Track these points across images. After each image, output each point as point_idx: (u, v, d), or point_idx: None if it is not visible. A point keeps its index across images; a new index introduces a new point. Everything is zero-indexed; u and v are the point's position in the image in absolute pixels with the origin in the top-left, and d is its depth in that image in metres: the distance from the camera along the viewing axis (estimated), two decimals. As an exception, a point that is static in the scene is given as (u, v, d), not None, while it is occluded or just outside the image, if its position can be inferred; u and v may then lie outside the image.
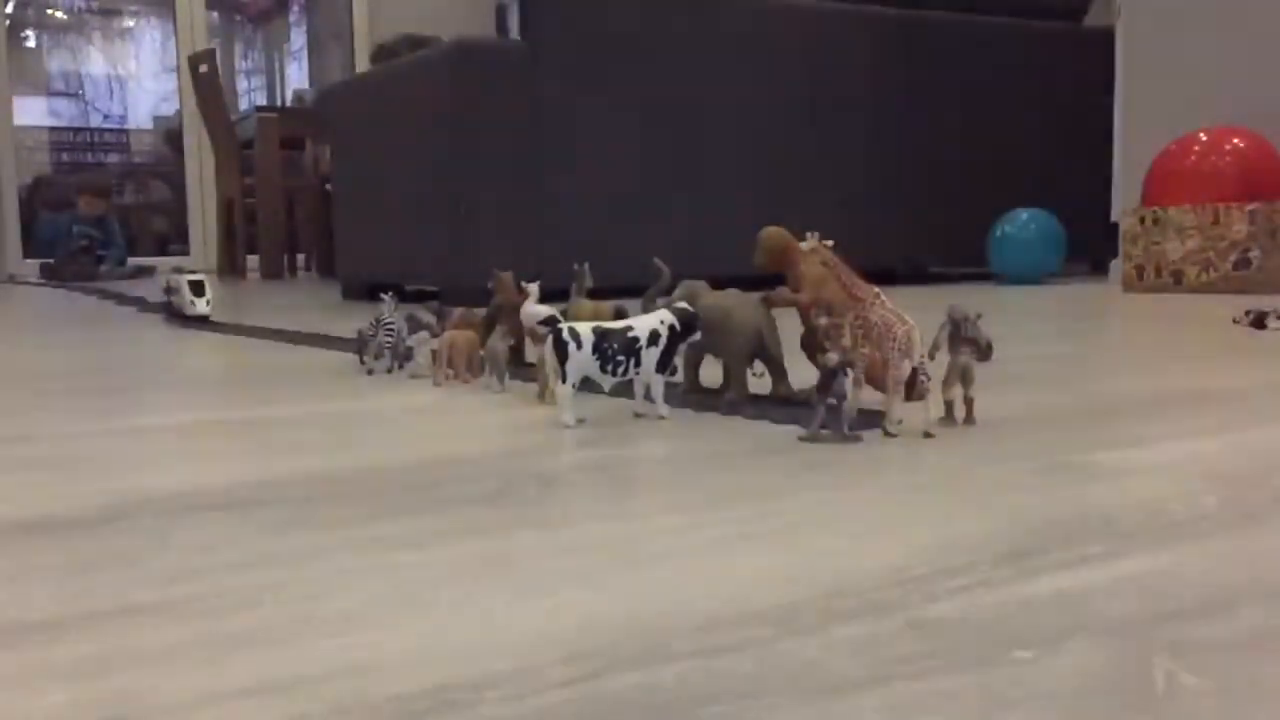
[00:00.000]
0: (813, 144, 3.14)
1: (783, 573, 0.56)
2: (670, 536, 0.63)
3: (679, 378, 1.11)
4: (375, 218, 3.13)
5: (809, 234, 1.07)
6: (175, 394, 1.28)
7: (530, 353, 1.29)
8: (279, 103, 7.30)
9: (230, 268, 5.57)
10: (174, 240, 6.98)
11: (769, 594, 0.53)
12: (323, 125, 3.72)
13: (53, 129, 7.14)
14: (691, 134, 2.95)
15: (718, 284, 1.13)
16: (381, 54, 4.35)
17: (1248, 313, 1.79)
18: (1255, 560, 0.57)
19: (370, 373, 1.41)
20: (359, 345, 1.44)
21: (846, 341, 0.94)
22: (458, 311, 1.38)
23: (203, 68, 5.38)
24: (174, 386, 1.34)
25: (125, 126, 7.39)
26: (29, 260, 6.15)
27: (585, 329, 0.99)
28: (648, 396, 1.04)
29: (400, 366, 1.42)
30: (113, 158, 7.31)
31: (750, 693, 0.41)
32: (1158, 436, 0.89)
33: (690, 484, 0.76)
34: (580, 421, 1.00)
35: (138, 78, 7.36)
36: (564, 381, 0.98)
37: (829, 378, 0.89)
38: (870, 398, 0.98)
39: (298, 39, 7.85)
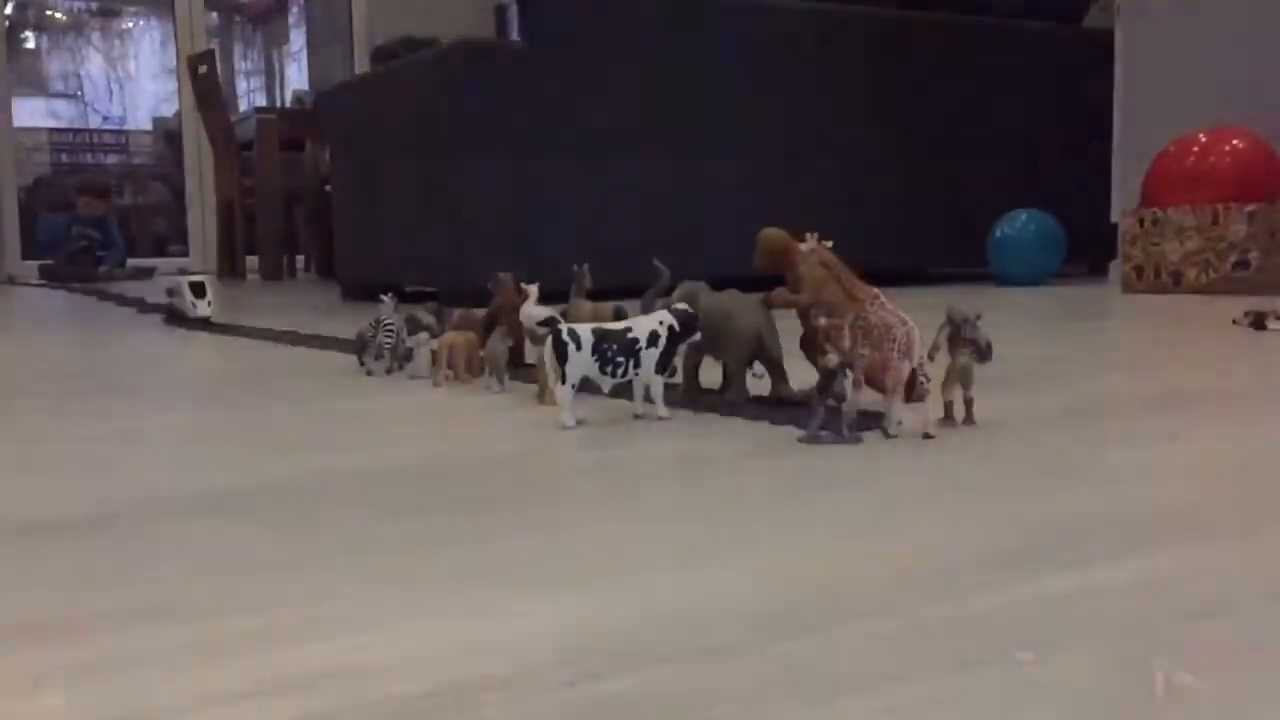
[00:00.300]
0: (812, 144, 3.14)
1: (783, 573, 0.56)
2: (670, 537, 0.63)
3: (678, 379, 1.11)
4: (375, 218, 3.14)
5: (808, 235, 1.07)
6: (175, 395, 1.28)
7: (530, 354, 1.29)
8: (278, 104, 7.30)
9: (230, 269, 5.56)
10: (173, 241, 6.98)
11: (769, 595, 0.53)
12: (322, 126, 3.71)
13: (52, 130, 7.14)
14: (691, 134, 2.95)
15: (717, 285, 1.12)
16: (381, 55, 4.34)
17: (1247, 313, 1.79)
18: (1255, 560, 0.57)
19: (370, 374, 1.41)
20: (359, 346, 1.44)
21: (846, 343, 0.94)
22: (457, 312, 1.38)
23: (202, 69, 5.38)
24: (173, 387, 1.34)
25: (124, 128, 7.39)
26: (28, 261, 6.14)
27: (585, 330, 0.99)
28: (647, 398, 1.04)
29: (400, 367, 1.42)
30: (112, 159, 7.31)
31: (750, 694, 0.41)
32: (1158, 437, 0.89)
33: (690, 485, 0.76)
34: (580, 423, 1.00)
35: (137, 79, 7.37)
36: (563, 382, 0.98)
37: (829, 379, 0.89)
38: (870, 399, 0.98)
39: (297, 40, 7.84)
